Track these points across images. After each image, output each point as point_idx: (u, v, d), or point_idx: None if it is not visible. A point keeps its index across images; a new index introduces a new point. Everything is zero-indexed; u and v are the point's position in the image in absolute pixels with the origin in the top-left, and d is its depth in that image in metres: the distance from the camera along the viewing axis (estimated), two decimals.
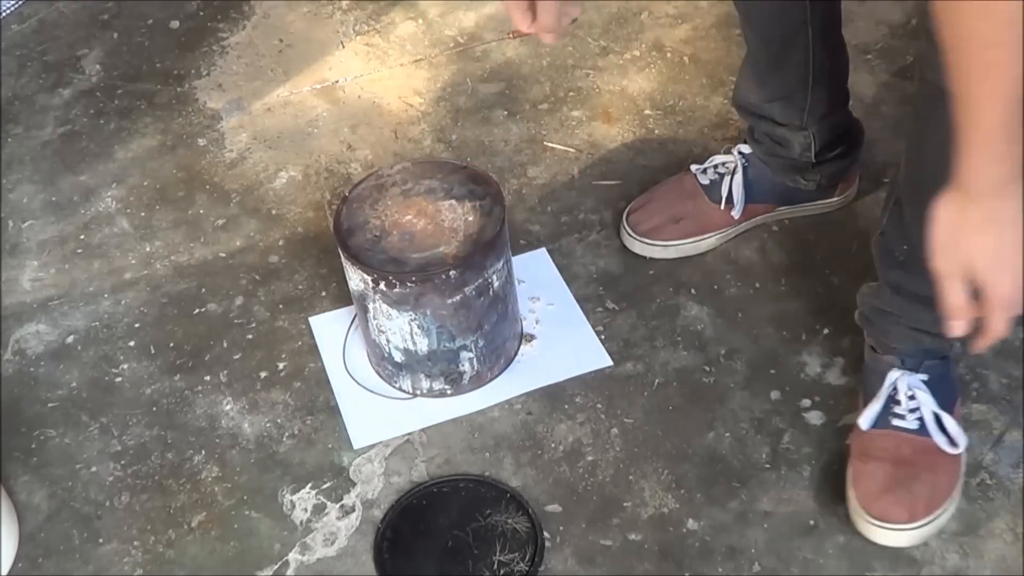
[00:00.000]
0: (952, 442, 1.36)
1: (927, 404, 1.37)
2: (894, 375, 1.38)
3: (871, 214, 1.70)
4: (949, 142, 1.04)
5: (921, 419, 1.37)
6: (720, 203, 1.65)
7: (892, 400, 1.38)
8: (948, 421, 1.37)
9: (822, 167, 1.63)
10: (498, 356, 1.54)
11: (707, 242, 1.67)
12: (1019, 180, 0.99)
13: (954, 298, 1.06)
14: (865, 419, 1.38)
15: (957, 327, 1.08)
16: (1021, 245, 1.00)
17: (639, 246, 1.67)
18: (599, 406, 1.52)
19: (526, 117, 1.94)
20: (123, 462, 1.51)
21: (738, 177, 1.65)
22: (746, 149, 1.66)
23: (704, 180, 1.67)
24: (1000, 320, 1.05)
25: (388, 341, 1.48)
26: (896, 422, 1.37)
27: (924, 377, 1.38)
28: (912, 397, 1.37)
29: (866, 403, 1.40)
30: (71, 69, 2.13)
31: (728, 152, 1.68)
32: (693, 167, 1.69)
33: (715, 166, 1.68)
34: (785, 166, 1.64)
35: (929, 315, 1.30)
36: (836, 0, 1.52)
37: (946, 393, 1.39)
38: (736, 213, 1.65)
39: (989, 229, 1.01)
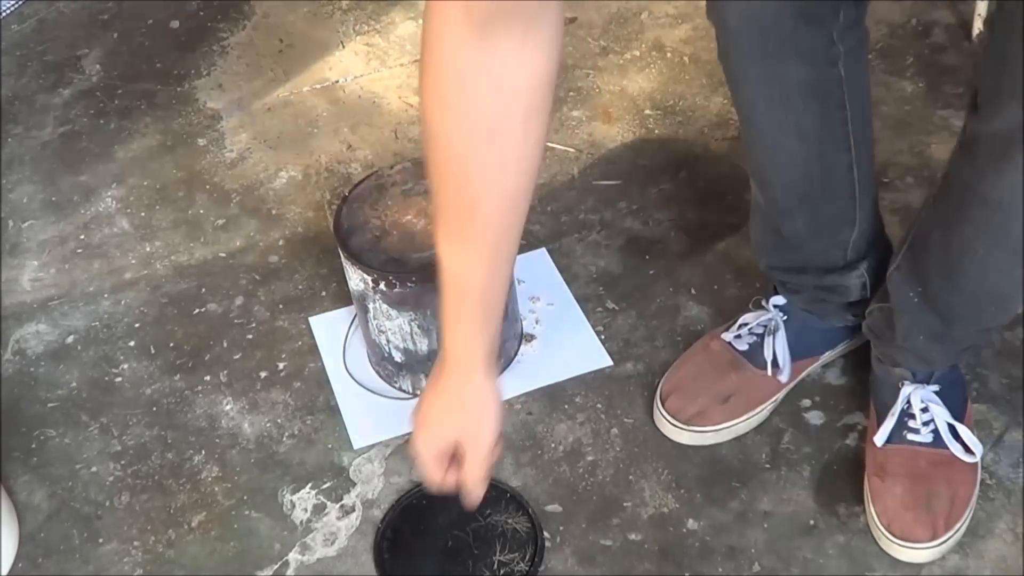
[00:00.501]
0: (968, 450, 1.35)
1: (941, 416, 1.35)
2: (907, 389, 1.36)
3: None
4: (993, 215, 1.09)
5: (935, 431, 1.35)
6: (766, 368, 1.45)
7: (905, 415, 1.36)
8: (963, 431, 1.35)
9: (874, 295, 1.42)
10: (498, 356, 1.54)
11: (761, 415, 1.47)
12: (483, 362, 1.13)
13: (437, 476, 1.20)
14: (880, 436, 1.36)
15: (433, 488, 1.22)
16: (490, 415, 1.16)
17: (687, 436, 1.45)
18: (599, 406, 1.52)
19: None
20: (123, 462, 1.51)
21: (780, 336, 1.45)
22: (781, 301, 1.47)
23: (741, 346, 1.47)
24: (482, 473, 1.19)
25: (388, 341, 1.48)
26: (911, 436, 1.35)
27: (936, 388, 1.36)
28: (925, 410, 1.35)
29: (879, 414, 1.38)
30: (71, 69, 2.14)
31: (760, 307, 1.49)
32: (723, 335, 1.49)
33: (749, 328, 1.48)
34: (836, 308, 1.46)
35: (940, 349, 1.31)
36: (867, 103, 1.32)
37: (957, 401, 1.38)
38: (784, 377, 1.45)
39: (468, 407, 1.15)
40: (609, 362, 1.56)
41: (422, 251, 1.41)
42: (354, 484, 1.46)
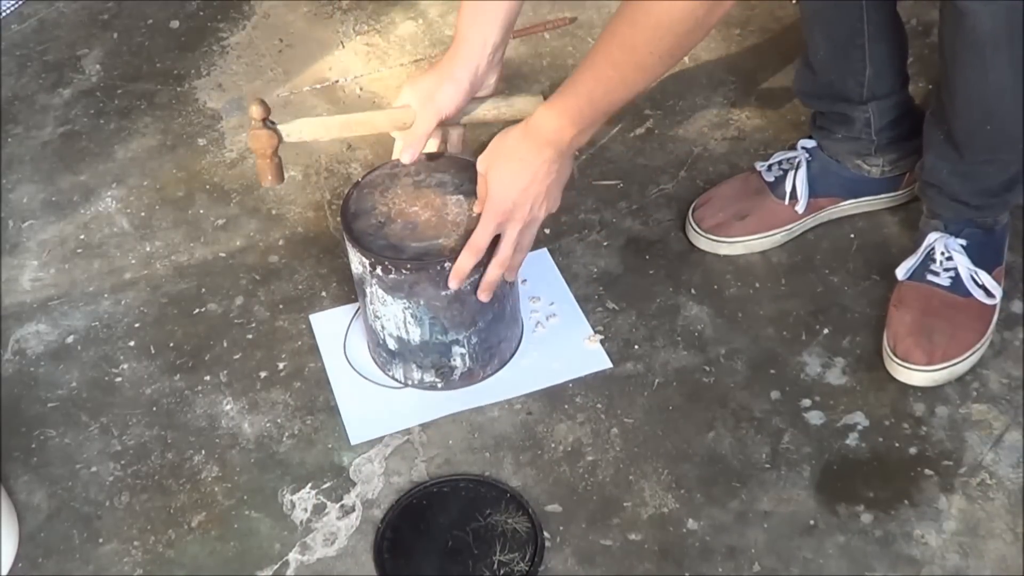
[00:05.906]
0: (989, 294, 1.50)
1: (963, 264, 1.50)
2: (934, 236, 1.52)
3: (869, 213, 1.71)
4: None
5: (954, 277, 1.50)
6: (785, 199, 1.66)
7: (929, 258, 1.52)
8: (984, 276, 1.50)
9: (884, 152, 1.64)
10: (492, 355, 1.54)
11: (773, 239, 1.67)
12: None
13: (485, 240, 1.37)
14: (901, 270, 1.53)
15: (459, 279, 1.39)
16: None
17: (705, 242, 1.68)
18: (599, 406, 1.52)
19: None
20: (123, 462, 1.51)
21: (802, 171, 1.65)
22: (809, 144, 1.68)
23: (769, 177, 1.68)
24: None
25: (383, 327, 1.48)
26: (930, 277, 1.52)
27: (963, 242, 1.51)
28: (949, 258, 1.51)
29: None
30: (71, 69, 2.13)
31: (792, 148, 1.69)
32: (757, 164, 1.70)
33: (779, 162, 1.69)
34: (848, 150, 1.65)
35: (963, 185, 1.49)
36: None
37: (985, 257, 1.52)
38: (800, 208, 1.66)
39: (555, 170, 1.37)
40: (608, 364, 1.56)
41: (421, 241, 1.41)
42: (354, 484, 1.46)
